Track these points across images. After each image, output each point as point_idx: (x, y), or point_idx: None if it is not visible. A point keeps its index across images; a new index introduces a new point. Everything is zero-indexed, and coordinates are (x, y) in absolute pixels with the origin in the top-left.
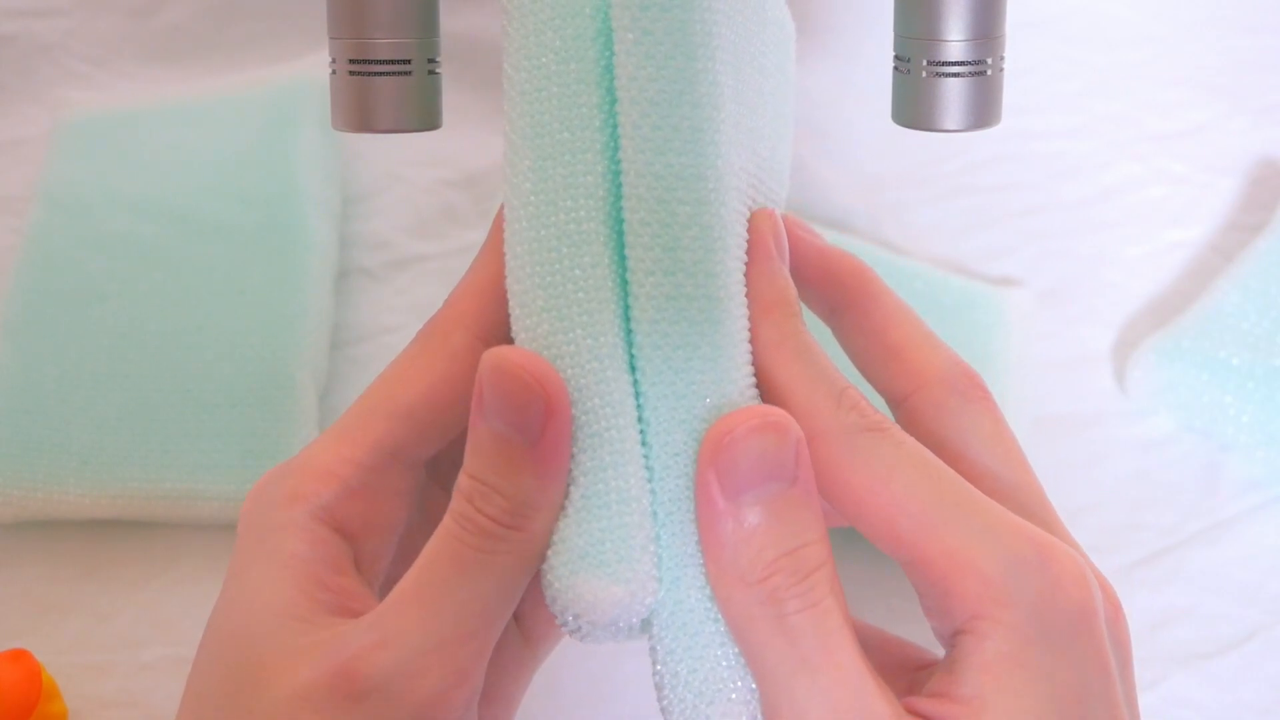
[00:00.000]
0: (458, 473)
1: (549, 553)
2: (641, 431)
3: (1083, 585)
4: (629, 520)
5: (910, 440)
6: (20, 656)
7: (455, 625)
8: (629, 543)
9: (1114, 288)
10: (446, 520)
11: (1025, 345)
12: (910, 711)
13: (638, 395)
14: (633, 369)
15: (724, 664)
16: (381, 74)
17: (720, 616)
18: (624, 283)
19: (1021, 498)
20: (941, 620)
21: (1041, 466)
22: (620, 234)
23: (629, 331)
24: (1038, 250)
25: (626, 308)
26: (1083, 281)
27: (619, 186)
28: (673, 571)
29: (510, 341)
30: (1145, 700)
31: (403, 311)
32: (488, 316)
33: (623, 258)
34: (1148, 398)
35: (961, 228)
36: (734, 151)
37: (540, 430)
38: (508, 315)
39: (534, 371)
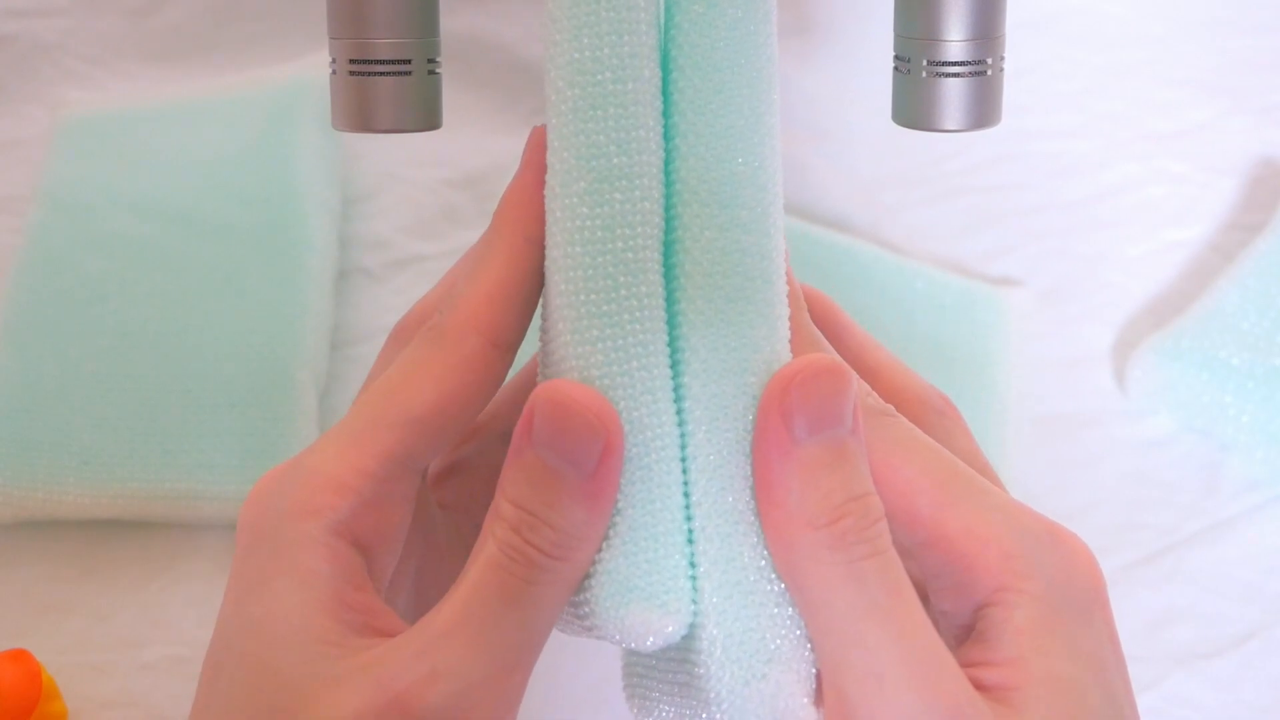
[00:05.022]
0: (439, 463)
1: (590, 581)
2: (677, 387)
3: (1093, 563)
4: (673, 549)
5: (918, 429)
6: (20, 656)
7: (504, 656)
8: (674, 572)
9: (1114, 288)
10: (491, 549)
11: (1025, 345)
12: None
13: (674, 353)
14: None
15: (780, 622)
16: (381, 74)
17: (775, 576)
18: (672, 305)
19: None
20: (961, 598)
21: (1041, 466)
22: (668, 257)
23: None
24: (1038, 250)
25: (674, 336)
26: (1083, 281)
27: (670, 210)
28: (722, 529)
29: (517, 342)
30: (1145, 700)
31: (402, 312)
32: (499, 321)
33: (671, 280)
34: (1148, 398)
35: (961, 228)
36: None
37: (595, 465)
38: (520, 321)
39: (595, 409)
